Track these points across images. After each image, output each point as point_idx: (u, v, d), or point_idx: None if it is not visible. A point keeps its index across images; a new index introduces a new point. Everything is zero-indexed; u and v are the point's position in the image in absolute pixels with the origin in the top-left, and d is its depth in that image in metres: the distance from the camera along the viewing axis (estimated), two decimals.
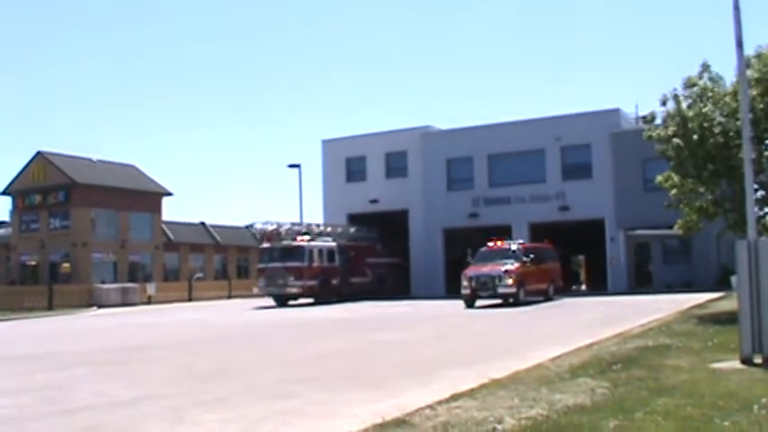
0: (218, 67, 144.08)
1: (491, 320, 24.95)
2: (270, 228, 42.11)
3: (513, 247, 33.88)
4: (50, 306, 42.18)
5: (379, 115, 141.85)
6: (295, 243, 40.49)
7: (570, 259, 54.12)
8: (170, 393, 10.91)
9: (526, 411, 7.99)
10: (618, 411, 7.76)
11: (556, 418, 7.61)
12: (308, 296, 40.20)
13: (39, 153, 69.38)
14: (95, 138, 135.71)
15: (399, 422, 7.66)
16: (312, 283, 39.90)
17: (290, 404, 9.50)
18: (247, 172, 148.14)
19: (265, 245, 41.86)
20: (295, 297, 40.16)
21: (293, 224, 43.16)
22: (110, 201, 63.91)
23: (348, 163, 51.18)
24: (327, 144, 52.34)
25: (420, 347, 17.14)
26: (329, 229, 44.98)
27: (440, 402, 8.65)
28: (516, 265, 31.88)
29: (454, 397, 8.97)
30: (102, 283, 54.08)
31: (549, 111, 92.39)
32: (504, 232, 39.86)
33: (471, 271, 32.23)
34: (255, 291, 42.93)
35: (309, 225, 44.13)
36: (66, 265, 63.86)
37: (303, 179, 68.68)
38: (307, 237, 41.39)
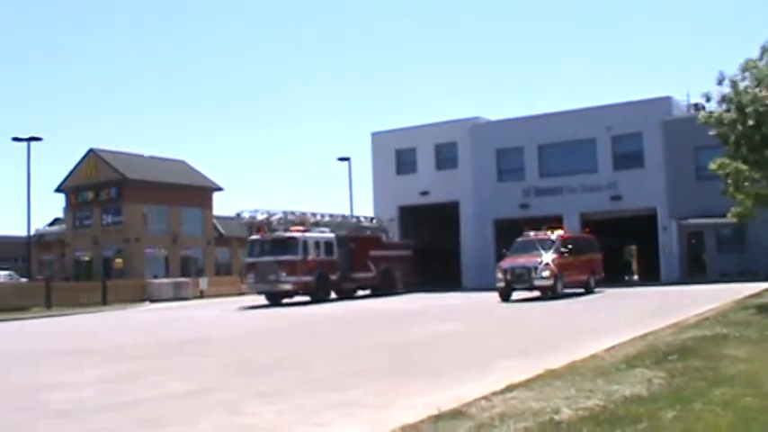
0: (268, 62, 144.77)
1: (542, 312, 24.80)
2: (259, 217, 38.08)
3: (552, 237, 32.43)
4: (104, 301, 42.65)
5: (428, 107, 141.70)
6: (288, 234, 36.67)
7: (622, 249, 53.69)
8: (226, 386, 11.01)
9: (583, 402, 7.92)
10: (675, 402, 7.67)
11: (613, 409, 7.55)
12: (304, 293, 36.77)
13: (91, 150, 70.14)
14: (146, 134, 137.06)
15: (456, 413, 7.64)
16: (307, 278, 36.08)
17: (345, 395, 9.53)
18: (298, 166, 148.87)
19: (254, 236, 37.56)
20: (289, 294, 36.35)
21: (285, 213, 39.18)
22: (161, 196, 64.49)
23: (398, 155, 51.15)
24: (377, 136, 52.39)
25: (474, 339, 17.14)
26: (327, 218, 41.51)
27: (495, 393, 8.61)
28: (554, 255, 30.65)
29: (510, 388, 8.92)
30: (155, 277, 54.58)
31: (599, 100, 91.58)
32: (555, 222, 39.46)
33: (506, 262, 31.16)
34: (243, 288, 39.51)
35: (304, 214, 40.07)
36: (119, 260, 64.62)
37: (353, 172, 68.62)
38: (301, 227, 37.80)
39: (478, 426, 7.06)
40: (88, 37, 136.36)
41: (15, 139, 56.80)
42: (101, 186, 67.76)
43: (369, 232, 43.47)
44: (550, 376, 9.63)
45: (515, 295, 30.66)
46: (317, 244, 37.24)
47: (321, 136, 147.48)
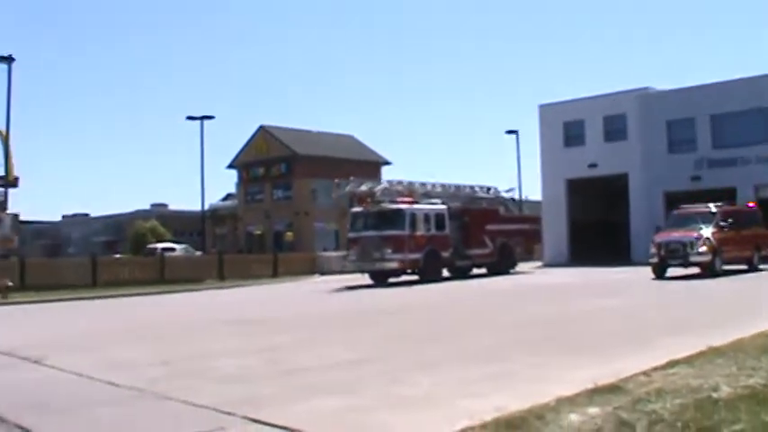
0: (433, 36, 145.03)
1: (703, 288, 23.86)
2: (362, 188, 35.47)
3: (712, 209, 30.06)
4: (275, 274, 43.83)
5: (596, 78, 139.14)
6: (393, 206, 33.22)
7: None
8: (386, 356, 11.22)
9: (744, 380, 7.68)
10: None
11: None
12: (411, 272, 33.52)
13: (261, 127, 72.12)
14: (315, 110, 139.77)
15: (613, 388, 7.55)
16: (415, 255, 32.56)
17: (502, 367, 9.55)
18: (465, 139, 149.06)
19: (357, 209, 34.32)
20: (395, 273, 33.13)
21: (390, 182, 36.86)
22: (330, 171, 65.61)
23: (566, 127, 50.51)
24: (544, 109, 51.84)
25: (636, 314, 16.84)
26: (438, 188, 37.99)
27: (656, 369, 8.44)
28: (712, 230, 28.46)
29: (671, 364, 8.72)
30: (324, 251, 55.67)
31: None
32: (729, 195, 37.96)
33: (661, 237, 29.41)
34: (346, 266, 35.72)
35: (412, 184, 37.02)
36: (289, 233, 66.31)
37: (521, 145, 68.09)
38: (408, 199, 34.45)
39: (634, 401, 6.95)
40: (258, 18, 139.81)
41: (189, 117, 59.00)
42: (271, 162, 69.61)
43: (485, 204, 39.91)
44: (713, 353, 9.36)
45: (672, 272, 28.81)
46: (426, 217, 33.69)
47: (489, 109, 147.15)
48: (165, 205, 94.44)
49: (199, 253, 56.87)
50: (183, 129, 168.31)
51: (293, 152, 68.33)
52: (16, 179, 60.06)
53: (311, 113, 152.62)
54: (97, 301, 29.09)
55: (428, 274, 32.76)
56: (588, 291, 24.89)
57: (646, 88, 48.34)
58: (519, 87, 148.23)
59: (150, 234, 70.27)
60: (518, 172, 69.68)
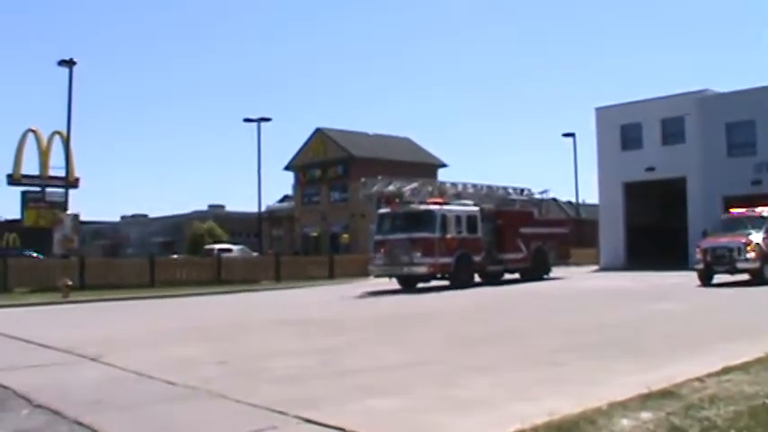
0: (490, 39, 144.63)
1: (764, 294, 23.20)
2: (389, 188, 33.34)
3: (764, 213, 28.31)
4: (331, 275, 43.93)
5: (654, 80, 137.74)
6: (423, 207, 31.41)
7: None
8: (440, 359, 11.26)
9: None
10: None
11: None
12: (441, 277, 31.45)
13: (318, 130, 72.42)
14: (372, 112, 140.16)
15: (665, 393, 7.52)
16: (446, 260, 30.73)
17: (556, 371, 9.56)
18: (521, 142, 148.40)
19: (384, 210, 32.46)
20: (424, 278, 31.39)
21: (422, 182, 34.78)
22: (386, 173, 65.52)
23: (623, 130, 50.02)
24: (601, 112, 51.42)
25: (691, 319, 16.68)
26: (470, 189, 36.04)
27: (709, 375, 8.39)
28: (763, 235, 26.88)
29: (725, 370, 8.65)
30: None
31: None
32: None
33: (707, 242, 27.93)
34: (372, 269, 33.22)
35: (443, 184, 35.57)
36: (345, 235, 66.53)
37: (578, 148, 67.60)
38: (439, 200, 32.70)
39: (687, 407, 6.93)
40: (316, 21, 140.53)
41: (246, 120, 59.60)
42: (328, 164, 69.93)
43: (518, 206, 37.66)
44: None
45: (720, 278, 27.29)
46: (457, 219, 31.78)
47: (546, 111, 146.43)
48: (222, 207, 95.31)
49: (255, 254, 57.26)
50: (241, 131, 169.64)
51: (350, 154, 68.63)
52: (77, 180, 61.34)
53: (368, 116, 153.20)
54: (155, 301, 29.48)
55: (459, 280, 31.04)
56: (639, 295, 24.72)
57: (705, 90, 47.72)
58: (576, 90, 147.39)
59: (207, 235, 70.90)
60: (575, 175, 69.76)
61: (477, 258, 32.28)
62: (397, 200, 32.25)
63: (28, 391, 9.12)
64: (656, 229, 46.63)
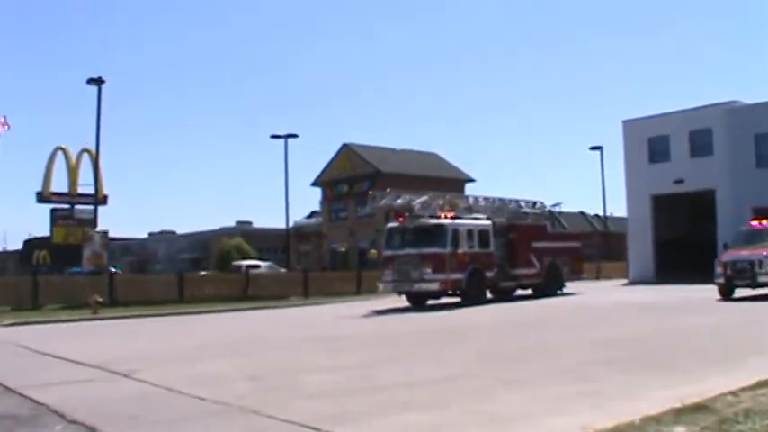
0: (517, 52, 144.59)
1: None
2: (398, 201, 31.75)
3: None
4: (359, 290, 43.86)
5: (680, 92, 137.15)
6: (434, 221, 30.16)
7: None
8: (471, 373, 11.25)
9: None
10: None
11: None
12: (452, 293, 30.48)
13: (345, 145, 72.59)
14: (398, 128, 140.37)
15: (699, 407, 7.48)
16: (458, 276, 29.45)
17: (587, 385, 9.52)
18: (549, 156, 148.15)
19: (393, 224, 31.40)
20: (435, 295, 30.15)
21: (432, 195, 33.06)
22: (413, 188, 65.54)
23: (650, 143, 49.86)
24: (628, 124, 51.27)
25: (722, 333, 16.55)
26: (481, 202, 34.73)
27: (743, 389, 8.33)
28: None
29: (760, 384, 8.58)
30: None
31: None
32: None
33: (728, 255, 26.94)
34: (380, 287, 31.72)
35: (453, 197, 33.88)
36: (373, 251, 66.45)
37: (605, 161, 67.23)
38: (450, 213, 31.24)
39: (721, 420, 6.89)
40: (342, 37, 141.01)
41: (274, 136, 59.83)
42: (355, 180, 70.04)
43: (531, 219, 36.56)
44: None
45: (742, 292, 26.55)
46: (469, 233, 30.64)
47: (573, 125, 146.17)
48: (249, 223, 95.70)
49: (283, 270, 57.40)
50: (268, 147, 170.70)
51: (376, 170, 68.73)
52: (105, 197, 61.79)
53: (395, 132, 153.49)
54: (184, 317, 29.57)
55: (471, 296, 29.87)
56: (664, 308, 24.64)
57: (733, 102, 47.54)
58: (603, 103, 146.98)
59: (235, 251, 71.18)
60: (602, 188, 69.07)
61: (489, 274, 31.17)
62: (407, 213, 30.93)
63: (62, 406, 9.20)
64: (684, 242, 46.34)
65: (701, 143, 47.41)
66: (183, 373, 12.19)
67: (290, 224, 64.16)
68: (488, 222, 32.20)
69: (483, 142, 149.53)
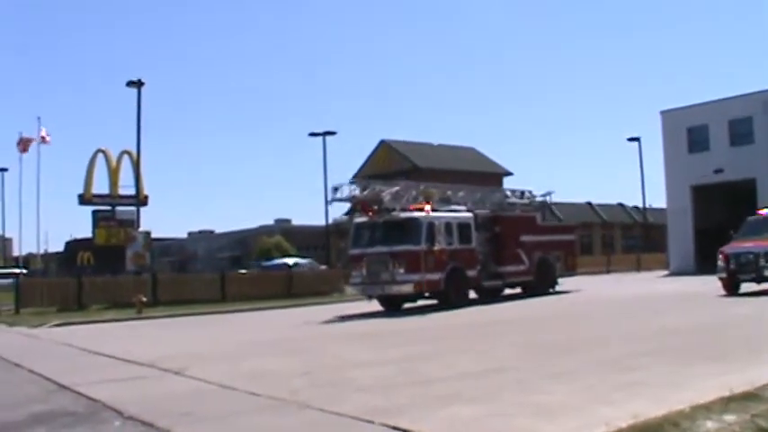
0: (554, 45, 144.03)
1: None
2: (366, 193, 28.33)
3: None
4: None
5: (719, 81, 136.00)
6: (406, 215, 26.69)
7: None
8: (515, 366, 11.33)
9: None
10: None
11: None
12: (430, 296, 27.05)
13: (382, 141, 72.67)
14: (436, 123, 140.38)
15: (748, 395, 7.53)
16: (435, 276, 26.10)
17: (634, 376, 9.57)
18: (587, 148, 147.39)
19: (361, 219, 27.96)
20: (410, 298, 27.17)
21: (404, 185, 29.52)
22: (451, 183, 65.67)
23: (689, 133, 49.45)
24: (666, 115, 50.89)
25: (763, 322, 16.50)
26: (461, 193, 31.31)
27: None
28: None
29: None
30: None
31: None
32: None
33: (731, 248, 25.03)
34: (349, 290, 29.27)
35: (428, 187, 29.71)
36: None
37: (643, 152, 66.77)
38: (426, 205, 27.25)
39: None
40: (379, 34, 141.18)
41: (312, 134, 60.07)
42: (392, 176, 69.83)
43: (518, 210, 32.97)
44: None
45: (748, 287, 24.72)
46: (447, 227, 27.05)
47: (611, 116, 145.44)
48: (288, 221, 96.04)
49: (323, 267, 57.58)
50: (307, 145, 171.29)
51: (414, 165, 68.78)
52: (146, 198, 62.30)
53: (433, 127, 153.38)
54: (227, 315, 29.79)
55: (451, 298, 26.71)
56: (716, 299, 24.09)
57: None
58: (640, 93, 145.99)
59: (275, 249, 71.47)
60: (641, 180, 68.50)
61: (471, 273, 27.84)
62: (376, 206, 27.20)
63: (117, 403, 9.43)
64: (725, 232, 45.90)
65: (741, 132, 46.94)
66: (233, 370, 12.38)
67: (330, 221, 64.33)
68: (469, 215, 28.77)
69: (521, 136, 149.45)
